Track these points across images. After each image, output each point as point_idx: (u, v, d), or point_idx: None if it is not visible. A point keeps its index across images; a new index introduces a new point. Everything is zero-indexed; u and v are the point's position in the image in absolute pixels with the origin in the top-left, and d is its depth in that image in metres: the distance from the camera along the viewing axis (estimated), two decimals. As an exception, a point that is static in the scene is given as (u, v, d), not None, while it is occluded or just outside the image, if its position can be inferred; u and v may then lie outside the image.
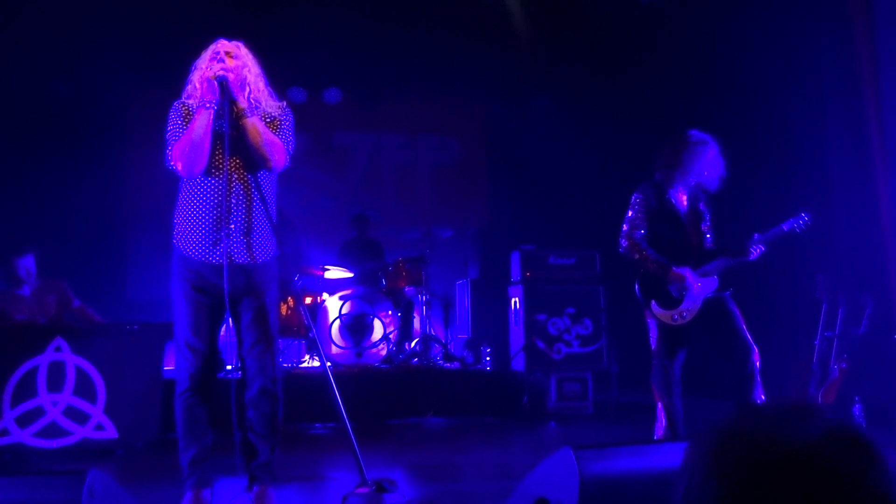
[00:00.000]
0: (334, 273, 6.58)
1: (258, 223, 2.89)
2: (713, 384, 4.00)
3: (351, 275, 6.61)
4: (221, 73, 2.82)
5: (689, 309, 3.67)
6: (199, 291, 2.86)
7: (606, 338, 6.05)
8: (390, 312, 6.18)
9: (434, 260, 6.76)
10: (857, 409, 4.89)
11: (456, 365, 6.29)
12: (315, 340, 6.01)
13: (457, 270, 7.80)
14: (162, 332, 4.65)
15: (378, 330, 6.09)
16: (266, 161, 2.86)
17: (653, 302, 3.74)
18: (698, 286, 3.66)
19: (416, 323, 6.72)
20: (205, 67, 2.90)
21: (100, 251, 7.49)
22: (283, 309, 6.00)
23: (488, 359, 6.30)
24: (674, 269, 3.66)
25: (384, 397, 5.55)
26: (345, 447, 3.54)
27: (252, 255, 2.88)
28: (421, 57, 8.04)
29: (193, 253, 2.85)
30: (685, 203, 3.83)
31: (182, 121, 2.90)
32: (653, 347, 3.82)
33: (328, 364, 3.14)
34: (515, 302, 6.20)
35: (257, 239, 2.89)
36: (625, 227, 3.83)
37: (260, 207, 2.89)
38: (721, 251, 3.74)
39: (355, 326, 6.08)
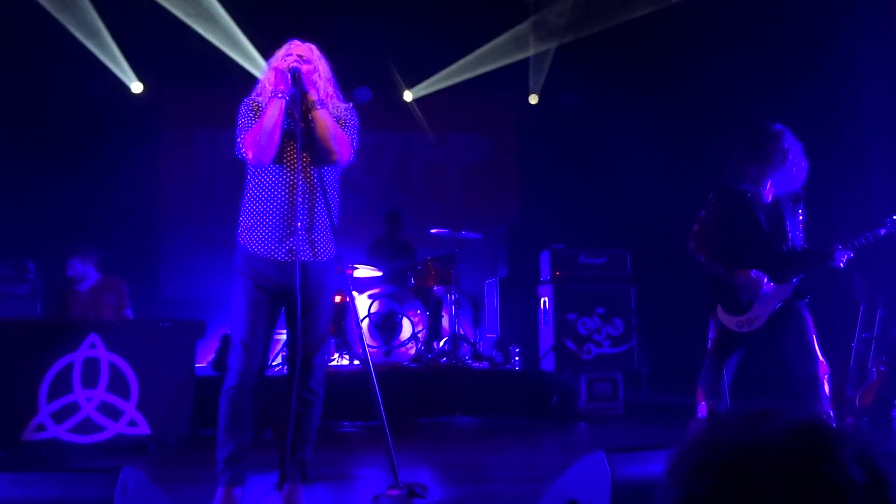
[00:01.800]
0: (363, 272, 6.59)
1: (321, 220, 2.92)
2: (776, 391, 3.89)
3: (380, 273, 6.62)
4: (295, 64, 2.89)
5: (758, 316, 3.50)
6: (260, 290, 2.88)
7: (637, 338, 5.98)
8: (419, 311, 6.17)
9: (463, 259, 6.74)
10: (895, 412, 4.78)
11: (485, 364, 6.27)
12: (346, 340, 6.06)
13: (486, 269, 7.78)
14: (194, 329, 4.70)
15: (407, 329, 6.09)
16: (332, 154, 2.89)
17: (718, 306, 3.58)
18: (768, 292, 3.48)
19: (445, 322, 6.71)
20: (280, 61, 2.96)
21: (134, 249, 7.61)
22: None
23: (517, 358, 6.27)
24: (740, 271, 3.47)
25: (413, 396, 5.55)
26: (374, 446, 3.56)
27: (315, 252, 2.91)
28: (450, 55, 8.03)
29: (259, 249, 2.87)
30: (769, 202, 3.60)
31: (252, 115, 2.94)
32: (709, 348, 3.69)
33: (370, 364, 3.13)
34: (545, 301, 6.16)
35: (321, 237, 2.92)
36: (695, 227, 3.64)
37: (322, 204, 2.91)
38: (806, 255, 3.54)
39: (384, 325, 6.09)
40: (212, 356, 5.65)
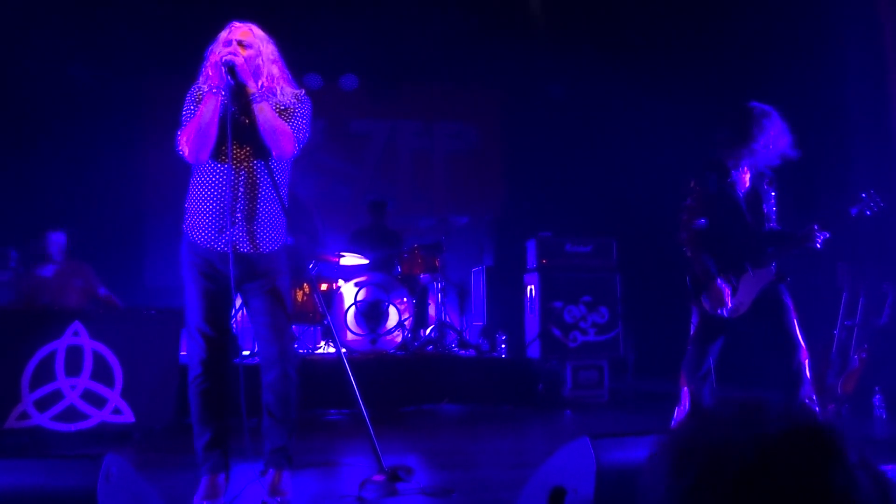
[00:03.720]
0: (349, 259, 6.58)
1: (265, 212, 2.85)
2: (759, 375, 3.92)
3: (366, 261, 6.61)
4: (229, 56, 2.76)
5: (741, 303, 3.53)
6: (206, 278, 2.85)
7: (623, 326, 6.02)
8: (405, 299, 6.17)
9: (450, 247, 6.74)
10: (877, 400, 4.84)
11: (471, 352, 6.28)
12: (330, 327, 6.05)
13: (472, 257, 7.79)
14: (179, 317, 4.67)
15: (393, 317, 6.09)
16: (273, 148, 2.82)
17: (703, 295, 3.59)
18: (752, 276, 3.50)
19: (432, 310, 6.72)
20: (216, 52, 2.86)
21: (117, 237, 7.55)
22: (299, 295, 6.02)
23: (504, 346, 6.28)
24: (716, 282, 3.49)
25: (399, 384, 5.56)
26: (360, 433, 3.56)
27: (255, 244, 2.85)
28: (437, 43, 7.99)
29: (200, 239, 2.84)
30: (747, 184, 3.62)
31: (195, 106, 2.87)
32: (692, 334, 3.72)
33: (343, 351, 3.12)
34: (531, 289, 6.18)
35: (263, 228, 2.86)
36: (683, 216, 3.63)
37: (267, 196, 2.85)
38: (783, 237, 3.56)
39: (370, 313, 6.09)
40: (186, 346, 5.62)
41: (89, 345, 4.38)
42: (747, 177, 3.63)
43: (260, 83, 2.85)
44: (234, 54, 2.78)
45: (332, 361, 5.62)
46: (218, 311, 2.87)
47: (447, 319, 6.63)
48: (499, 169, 9.03)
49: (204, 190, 2.83)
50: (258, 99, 2.81)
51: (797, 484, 0.68)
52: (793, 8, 6.02)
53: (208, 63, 2.89)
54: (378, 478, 2.98)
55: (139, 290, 7.41)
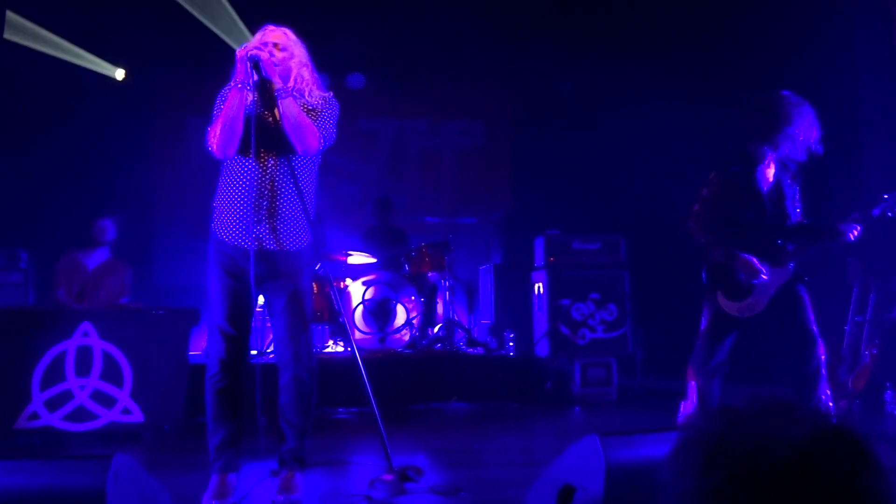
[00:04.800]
0: (357, 258, 6.58)
1: (290, 210, 2.88)
2: (767, 371, 3.89)
3: (374, 260, 6.61)
4: (255, 52, 2.78)
5: (757, 301, 3.46)
6: (231, 276, 2.87)
7: (631, 323, 6.00)
8: (413, 298, 6.17)
9: (458, 245, 6.73)
10: (888, 395, 4.80)
11: (479, 350, 6.28)
12: (343, 326, 6.05)
13: (480, 255, 7.78)
14: (188, 317, 4.69)
15: (401, 315, 6.09)
16: (296, 144, 2.83)
17: (719, 293, 3.53)
18: (770, 276, 3.44)
19: (440, 308, 6.71)
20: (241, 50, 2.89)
21: (126, 237, 7.54)
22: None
23: (512, 344, 6.27)
24: (741, 255, 3.40)
25: (407, 382, 5.56)
26: (369, 432, 3.56)
27: (280, 242, 2.87)
28: (445, 41, 7.98)
29: (227, 237, 2.87)
30: (771, 179, 3.51)
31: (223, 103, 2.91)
32: (702, 328, 3.66)
33: (356, 351, 3.12)
34: (539, 287, 6.16)
35: (288, 226, 2.88)
36: (695, 207, 3.54)
37: (293, 194, 2.87)
38: (814, 230, 3.48)
39: (379, 312, 6.09)
40: (206, 344, 5.63)
41: (99, 345, 4.40)
42: (771, 171, 3.53)
43: (290, 85, 2.88)
44: (260, 49, 2.81)
45: (341, 360, 5.62)
46: (240, 309, 2.87)
47: (455, 317, 6.63)
48: (507, 166, 9.01)
49: (231, 188, 2.87)
50: (283, 95, 2.83)
51: (831, 487, 0.67)
52: (803, 2, 5.98)
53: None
54: (387, 477, 2.98)
55: (148, 289, 7.43)
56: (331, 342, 6.37)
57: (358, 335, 6.03)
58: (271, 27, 2.99)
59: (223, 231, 2.88)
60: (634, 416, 5.23)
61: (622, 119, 7.75)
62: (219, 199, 2.93)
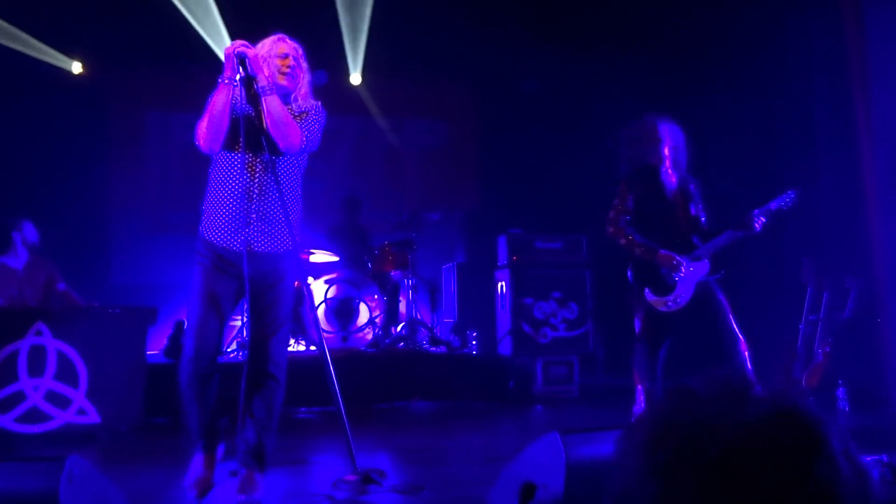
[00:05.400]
0: (320, 257, 6.54)
1: (276, 214, 2.92)
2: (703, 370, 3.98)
3: (336, 258, 6.57)
4: (241, 49, 2.82)
5: (682, 294, 3.65)
6: (218, 274, 2.92)
7: (592, 322, 6.06)
8: (376, 296, 6.15)
9: (421, 244, 6.73)
10: (840, 392, 4.93)
11: (442, 349, 6.28)
12: (302, 325, 6.00)
13: (444, 254, 7.78)
14: (145, 316, 4.61)
15: (364, 314, 6.06)
16: (279, 140, 2.86)
17: (646, 289, 3.72)
18: (689, 270, 3.65)
19: (403, 307, 6.70)
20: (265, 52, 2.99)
21: (82, 235, 7.40)
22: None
23: (475, 343, 6.29)
24: (660, 251, 3.66)
25: (370, 381, 5.53)
26: (331, 432, 3.54)
27: (269, 244, 2.93)
28: (408, 39, 7.96)
29: (215, 239, 2.91)
30: (675, 185, 3.82)
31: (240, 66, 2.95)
32: (637, 331, 3.82)
33: (327, 351, 3.13)
34: (502, 286, 6.19)
35: (274, 229, 2.93)
36: (610, 214, 3.84)
37: (279, 198, 2.90)
38: (723, 227, 3.73)
39: (341, 310, 6.05)
40: (164, 343, 5.55)
41: (53, 345, 4.29)
42: (674, 179, 3.83)
43: (294, 95, 3.04)
44: (247, 46, 2.86)
45: (303, 359, 5.57)
46: (220, 308, 2.92)
47: (418, 316, 6.62)
48: (470, 165, 9.03)
49: (219, 192, 2.91)
50: (268, 92, 2.85)
51: (778, 470, 0.66)
52: (760, 5, 6.10)
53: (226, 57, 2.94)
54: (351, 478, 2.97)
55: (105, 288, 7.28)
56: (293, 341, 6.31)
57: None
58: (288, 39, 3.08)
59: (212, 233, 2.91)
60: (595, 413, 5.29)
61: (586, 119, 7.82)
62: (207, 203, 2.96)
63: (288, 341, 3.04)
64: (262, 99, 2.84)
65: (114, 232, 7.96)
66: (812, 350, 5.05)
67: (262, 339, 2.95)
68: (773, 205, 3.65)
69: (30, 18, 7.10)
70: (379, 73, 8.56)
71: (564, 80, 8.00)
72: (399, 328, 6.49)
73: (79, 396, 4.30)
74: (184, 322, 5.52)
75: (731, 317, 3.63)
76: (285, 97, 3.01)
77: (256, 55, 2.88)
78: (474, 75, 8.71)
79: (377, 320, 6.09)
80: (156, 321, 4.65)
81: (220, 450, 2.97)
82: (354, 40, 7.95)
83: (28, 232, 5.39)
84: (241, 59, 2.82)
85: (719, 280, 3.73)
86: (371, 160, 8.90)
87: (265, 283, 2.93)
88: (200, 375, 2.90)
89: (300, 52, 3.09)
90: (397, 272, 6.54)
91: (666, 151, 3.81)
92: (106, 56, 7.66)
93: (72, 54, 7.67)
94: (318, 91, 3.31)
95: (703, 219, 3.85)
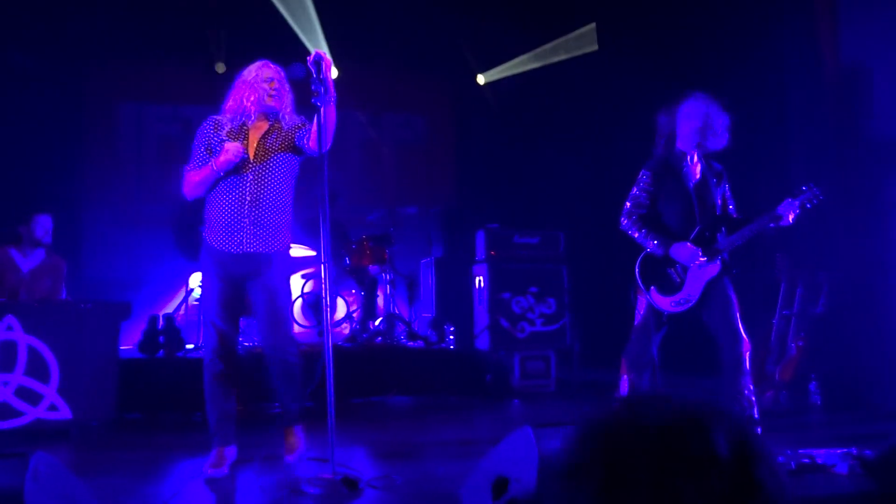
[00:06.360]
0: (296, 251, 6.49)
1: (270, 216, 3.31)
2: (701, 365, 4.00)
3: (313, 253, 6.53)
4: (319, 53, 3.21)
5: (691, 295, 3.57)
6: (221, 279, 3.30)
7: (569, 316, 6.08)
8: (354, 291, 6.12)
9: (399, 238, 6.71)
10: (812, 386, 4.99)
11: (420, 343, 6.27)
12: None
13: (422, 249, 7.77)
14: (118, 310, 4.54)
15: (341, 309, 6.03)
16: (326, 143, 3.31)
17: (653, 288, 3.62)
18: (701, 263, 3.55)
19: (380, 301, 6.68)
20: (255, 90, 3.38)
21: (56, 228, 7.28)
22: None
23: (452, 337, 6.29)
24: (675, 244, 3.55)
25: (347, 376, 5.47)
26: (306, 427, 3.52)
27: (261, 245, 3.29)
28: (386, 33, 7.92)
29: (216, 244, 3.29)
30: (698, 176, 3.66)
31: (206, 143, 3.35)
32: (635, 323, 3.75)
33: (329, 348, 3.26)
34: (480, 281, 6.19)
35: (269, 231, 3.31)
36: (627, 205, 3.68)
37: (272, 202, 3.32)
38: (749, 219, 3.61)
39: (318, 305, 6.02)
40: (139, 338, 5.48)
41: (24, 339, 4.22)
42: (698, 168, 3.68)
43: (283, 114, 3.43)
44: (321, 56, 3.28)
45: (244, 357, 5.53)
46: (230, 307, 3.33)
47: (396, 311, 6.60)
48: (448, 160, 9.01)
49: (218, 199, 3.30)
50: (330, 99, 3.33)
51: (659, 456, 0.71)
52: (734, 4, 6.14)
53: (239, 86, 3.39)
54: (325, 475, 2.95)
55: (78, 282, 7.18)
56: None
57: (297, 329, 5.95)
58: (269, 64, 3.46)
59: (213, 238, 3.30)
60: (572, 407, 5.30)
61: (564, 115, 7.84)
62: (208, 210, 3.34)
63: (291, 325, 3.48)
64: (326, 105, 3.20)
65: (87, 225, 7.85)
66: (785, 344, 5.11)
67: (271, 332, 3.34)
68: (799, 200, 3.52)
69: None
70: (356, 67, 8.51)
71: (542, 75, 8.01)
72: (377, 323, 6.47)
73: (50, 392, 4.24)
74: (156, 317, 5.50)
75: (736, 315, 3.54)
76: (274, 115, 3.41)
77: (279, 103, 3.37)
78: (453, 70, 8.69)
79: (354, 315, 6.06)
80: (129, 316, 4.59)
81: (233, 451, 3.32)
82: (330, 33, 7.88)
83: (37, 227, 5.29)
84: (318, 62, 3.19)
85: (732, 277, 3.62)
86: (349, 154, 8.85)
87: (262, 283, 3.30)
88: (221, 373, 3.29)
89: (282, 74, 3.47)
90: (375, 267, 6.52)
91: (696, 135, 3.61)
92: (78, 47, 7.54)
93: (41, 47, 7.54)
94: (294, 85, 3.48)
95: (731, 208, 3.71)
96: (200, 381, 3.34)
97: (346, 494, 2.81)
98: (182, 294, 6.52)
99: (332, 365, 3.15)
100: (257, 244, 3.28)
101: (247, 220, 3.26)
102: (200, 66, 7.59)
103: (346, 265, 6.39)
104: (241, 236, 3.26)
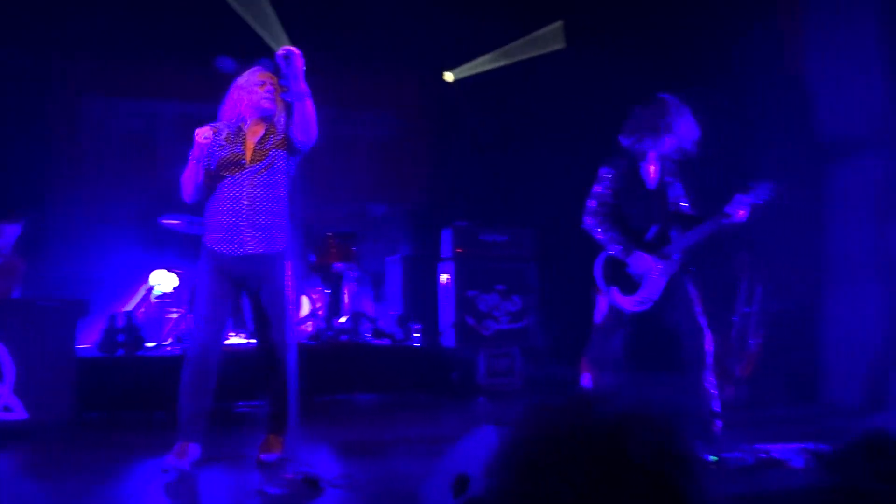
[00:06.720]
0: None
1: (267, 217, 3.35)
2: (663, 362, 4.03)
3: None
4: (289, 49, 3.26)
5: (651, 293, 3.59)
6: (218, 277, 3.36)
7: (536, 314, 6.11)
8: (319, 289, 6.08)
9: (365, 236, 6.68)
10: (772, 383, 5.08)
11: (385, 341, 6.24)
12: (243, 319, 5.89)
13: (389, 246, 7.74)
14: (75, 308, 4.45)
15: (306, 306, 5.99)
16: (307, 137, 3.54)
17: (614, 288, 3.64)
18: (659, 270, 3.59)
19: (346, 299, 6.64)
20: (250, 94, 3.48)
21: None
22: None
23: (418, 335, 6.28)
24: (635, 252, 3.56)
25: (312, 374, 5.42)
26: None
27: (259, 246, 3.34)
28: (355, 29, 7.87)
29: (215, 246, 3.36)
30: (654, 175, 3.70)
31: (204, 147, 3.36)
32: (596, 322, 3.78)
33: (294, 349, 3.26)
34: (446, 278, 6.19)
35: (266, 232, 3.35)
36: (591, 204, 3.67)
37: (269, 203, 3.36)
38: (701, 218, 3.64)
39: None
40: (98, 336, 5.37)
41: (-23, 339, 4.12)
42: (653, 168, 3.72)
43: (278, 116, 3.53)
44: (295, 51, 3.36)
45: (242, 352, 5.47)
46: (221, 307, 3.39)
47: (362, 309, 6.57)
48: (418, 158, 8.98)
49: (216, 202, 3.38)
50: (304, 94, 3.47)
51: (567, 492, 0.73)
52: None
53: (234, 91, 3.50)
54: (288, 475, 2.93)
55: (37, 280, 7.02)
56: (232, 334, 6.20)
57: (250, 329, 5.88)
58: (262, 68, 3.60)
59: (212, 241, 3.38)
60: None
61: (534, 113, 7.86)
62: (207, 214, 3.43)
63: (285, 325, 3.40)
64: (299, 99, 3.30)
65: (49, 222, 7.67)
66: (746, 341, 5.19)
67: (269, 330, 3.38)
68: (750, 198, 3.53)
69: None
70: (324, 65, 8.43)
71: (510, 72, 8.02)
72: (342, 321, 6.43)
73: (4, 392, 4.13)
74: (115, 315, 5.40)
75: (697, 310, 3.58)
76: (269, 118, 3.49)
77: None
78: (422, 67, 8.66)
79: (319, 313, 6.02)
80: (86, 314, 4.50)
81: (194, 448, 3.24)
82: (298, 28, 7.81)
83: (6, 234, 5.16)
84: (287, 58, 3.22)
85: (691, 274, 3.66)
86: (315, 151, 8.77)
87: (260, 283, 3.37)
88: (203, 370, 3.31)
89: (275, 78, 3.51)
90: (341, 264, 6.47)
91: (669, 141, 3.63)
92: (42, 40, 7.37)
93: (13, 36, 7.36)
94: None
95: (683, 209, 3.75)
96: (161, 380, 3.38)
97: (308, 494, 2.78)
98: (143, 292, 6.41)
99: (296, 363, 3.13)
100: (256, 246, 3.34)
101: (245, 222, 3.32)
102: (167, 61, 7.47)
103: (312, 262, 6.34)
104: (241, 239, 3.32)
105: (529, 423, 0.79)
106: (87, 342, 5.39)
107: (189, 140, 3.34)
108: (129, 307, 6.36)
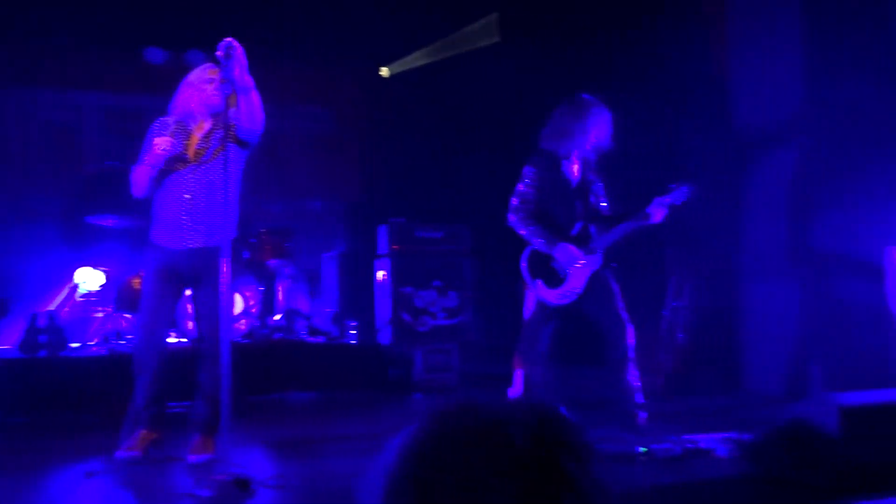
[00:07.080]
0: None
1: (212, 210, 3.38)
2: (589, 356, 4.11)
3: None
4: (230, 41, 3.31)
5: (575, 286, 3.68)
6: (163, 275, 3.44)
7: (472, 310, 6.15)
8: (252, 286, 5.98)
9: (301, 232, 6.60)
10: (699, 375, 5.25)
11: (321, 339, 6.19)
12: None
13: (324, 243, 7.67)
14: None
15: (239, 304, 5.88)
16: (254, 126, 3.57)
17: (539, 281, 3.73)
18: (583, 263, 3.68)
19: (280, 296, 6.55)
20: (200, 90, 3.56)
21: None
22: (136, 283, 5.67)
23: (354, 332, 6.24)
24: (560, 243, 3.66)
25: (245, 373, 5.33)
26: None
27: (203, 240, 3.40)
28: (291, 21, 7.75)
29: (160, 241, 3.46)
30: (577, 174, 3.80)
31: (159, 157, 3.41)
32: (525, 318, 3.85)
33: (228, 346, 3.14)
34: (382, 275, 6.17)
35: (210, 224, 3.39)
36: (514, 201, 3.76)
37: (214, 195, 3.36)
38: (621, 217, 3.76)
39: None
40: (19, 337, 5.15)
41: None
42: (576, 167, 3.82)
43: (227, 111, 3.44)
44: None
45: (171, 351, 5.34)
46: (166, 304, 3.49)
47: (296, 306, 6.49)
48: (354, 153, 8.92)
49: (161, 196, 3.45)
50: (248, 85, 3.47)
51: (459, 489, 0.75)
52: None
53: (184, 88, 3.58)
54: (218, 476, 2.87)
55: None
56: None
57: (192, 325, 5.75)
58: (211, 66, 3.62)
59: (156, 236, 3.47)
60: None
61: (469, 108, 7.88)
62: (153, 209, 3.50)
63: (219, 322, 3.29)
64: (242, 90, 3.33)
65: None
66: (675, 335, 5.34)
67: (204, 326, 3.46)
68: (668, 199, 3.67)
69: None
70: (259, 58, 8.28)
71: (447, 68, 8.03)
72: (276, 318, 6.34)
73: (-83, 396, 3.94)
74: (37, 315, 5.20)
75: (619, 304, 3.70)
76: (218, 113, 3.48)
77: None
78: (357, 61, 8.60)
79: (253, 310, 5.92)
80: (6, 313, 4.32)
81: (150, 436, 3.35)
82: (232, 18, 7.65)
83: None
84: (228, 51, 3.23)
85: (612, 270, 3.78)
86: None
87: (201, 276, 3.42)
88: (148, 364, 3.36)
89: (224, 74, 3.49)
90: (275, 261, 6.38)
91: (589, 140, 3.75)
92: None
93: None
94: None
95: (603, 209, 3.86)
96: (86, 381, 3.31)
97: (238, 495, 2.74)
98: (67, 290, 6.18)
99: (229, 361, 3.07)
100: (196, 239, 3.40)
101: (186, 216, 3.39)
102: (92, 49, 7.21)
103: (245, 259, 6.23)
104: (182, 232, 3.40)
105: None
106: (7, 343, 5.17)
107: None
108: (52, 306, 6.11)
